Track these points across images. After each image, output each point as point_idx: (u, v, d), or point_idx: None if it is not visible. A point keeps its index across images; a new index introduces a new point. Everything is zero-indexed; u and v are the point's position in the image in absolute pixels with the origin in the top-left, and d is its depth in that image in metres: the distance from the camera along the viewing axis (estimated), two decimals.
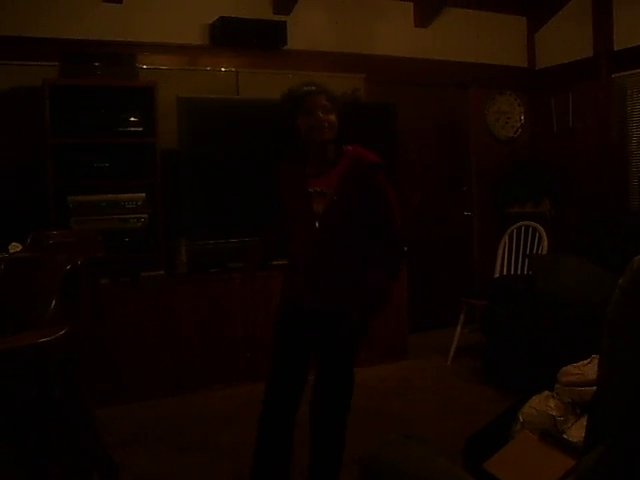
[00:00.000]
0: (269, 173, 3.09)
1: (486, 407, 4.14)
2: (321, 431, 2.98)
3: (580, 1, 6.21)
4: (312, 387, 2.98)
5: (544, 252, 5.38)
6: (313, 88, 2.81)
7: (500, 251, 5.66)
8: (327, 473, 2.96)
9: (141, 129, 4.76)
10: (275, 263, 5.05)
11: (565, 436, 2.86)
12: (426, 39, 6.26)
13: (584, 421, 2.93)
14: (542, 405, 3.06)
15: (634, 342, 1.18)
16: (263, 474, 2.99)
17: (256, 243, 3.12)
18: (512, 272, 5.55)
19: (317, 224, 2.77)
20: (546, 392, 3.17)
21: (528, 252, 5.51)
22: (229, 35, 5.26)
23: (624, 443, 1.24)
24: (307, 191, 2.79)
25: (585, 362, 3.17)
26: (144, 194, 4.80)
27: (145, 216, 4.78)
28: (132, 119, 4.76)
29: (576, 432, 2.86)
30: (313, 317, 2.84)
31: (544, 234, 5.47)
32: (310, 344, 2.91)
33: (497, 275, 5.55)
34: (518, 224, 5.69)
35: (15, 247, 3.30)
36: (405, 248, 3.15)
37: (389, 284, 2.82)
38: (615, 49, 5.96)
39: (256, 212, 5.04)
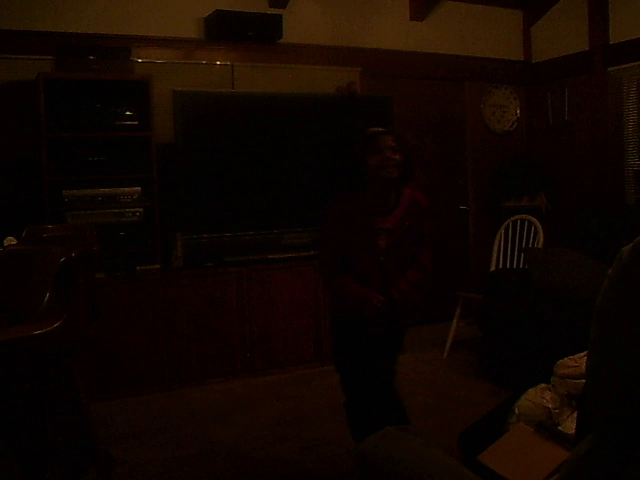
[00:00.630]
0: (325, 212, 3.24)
1: (481, 400, 4.15)
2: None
3: None
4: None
5: (540, 246, 5.39)
6: (382, 129, 3.09)
7: (496, 245, 5.67)
8: None
9: (136, 123, 4.75)
10: (271, 257, 5.10)
11: (560, 428, 2.87)
12: (422, 32, 6.25)
13: None
14: (538, 397, 3.07)
15: (621, 333, 1.18)
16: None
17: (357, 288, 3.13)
18: (508, 266, 5.56)
19: (382, 258, 3.06)
20: (542, 384, 3.17)
21: (524, 246, 5.52)
22: (225, 28, 5.24)
23: (611, 433, 1.24)
24: (374, 228, 3.06)
25: (581, 354, 3.16)
26: (139, 188, 4.79)
27: (141, 210, 4.77)
28: (127, 113, 4.74)
29: (571, 424, 2.86)
30: (378, 333, 3.12)
31: (540, 228, 5.48)
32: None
33: (493, 269, 5.56)
34: (514, 218, 5.70)
35: (10, 241, 3.31)
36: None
37: (422, 284, 3.17)
38: (611, 42, 5.96)
39: (252, 206, 5.07)
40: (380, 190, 3.06)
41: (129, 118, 4.74)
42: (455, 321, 5.36)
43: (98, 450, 3.01)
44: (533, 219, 5.57)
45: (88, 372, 4.12)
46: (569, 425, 2.87)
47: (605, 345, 1.23)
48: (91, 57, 4.72)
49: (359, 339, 3.14)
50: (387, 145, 3.00)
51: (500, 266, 5.57)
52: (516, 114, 6.77)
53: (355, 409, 3.20)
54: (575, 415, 2.94)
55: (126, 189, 4.76)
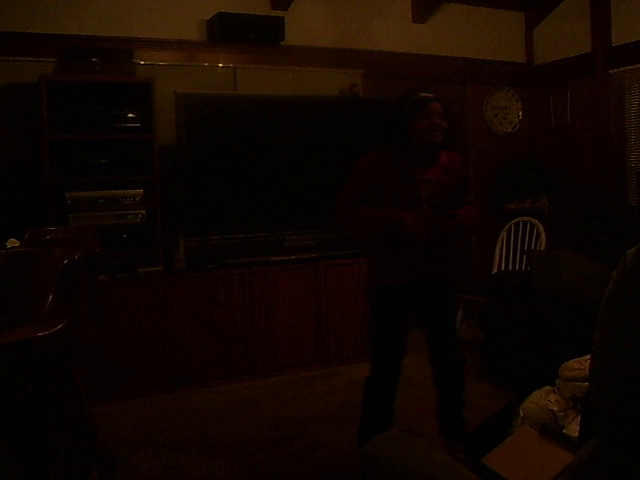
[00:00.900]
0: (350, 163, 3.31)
1: (484, 402, 4.14)
2: (457, 382, 3.47)
3: None
4: (432, 344, 3.38)
5: (542, 248, 5.39)
6: (432, 95, 3.23)
7: (498, 247, 5.67)
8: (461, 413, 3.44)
9: (139, 125, 4.75)
10: (273, 259, 5.09)
11: (565, 431, 2.86)
12: (424, 35, 6.26)
13: None
14: (543, 400, 3.06)
15: (626, 336, 1.17)
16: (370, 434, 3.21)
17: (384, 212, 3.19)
18: (510, 268, 5.56)
19: (424, 207, 3.13)
20: (547, 387, 3.16)
21: (526, 248, 5.51)
22: (227, 31, 5.24)
23: (615, 437, 1.23)
24: (415, 178, 3.16)
25: (587, 357, 3.15)
26: (142, 190, 4.79)
27: (143, 212, 4.78)
28: (130, 115, 4.74)
29: (576, 427, 2.85)
30: (427, 284, 3.24)
31: (542, 230, 5.48)
32: (418, 311, 3.31)
33: (495, 271, 5.56)
34: (516, 220, 5.70)
35: (13, 243, 3.30)
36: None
37: (477, 216, 3.37)
38: (613, 45, 5.96)
39: (254, 208, 5.07)
40: (423, 152, 3.18)
41: (131, 120, 4.74)
42: (457, 323, 5.35)
43: (100, 452, 3.01)
44: (535, 221, 5.57)
45: (90, 374, 4.12)
46: (574, 428, 2.86)
47: (609, 348, 1.22)
48: (93, 59, 4.73)
49: (397, 309, 3.23)
50: (436, 111, 3.13)
51: (502, 268, 5.57)
52: (518, 116, 6.77)
53: (379, 384, 3.28)
54: (580, 418, 2.94)
55: (128, 191, 4.76)
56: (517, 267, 5.52)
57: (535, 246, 5.47)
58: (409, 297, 3.24)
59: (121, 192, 4.74)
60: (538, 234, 5.49)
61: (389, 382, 3.27)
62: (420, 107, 3.14)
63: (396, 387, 3.29)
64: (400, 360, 3.29)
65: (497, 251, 5.65)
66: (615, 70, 5.98)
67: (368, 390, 3.32)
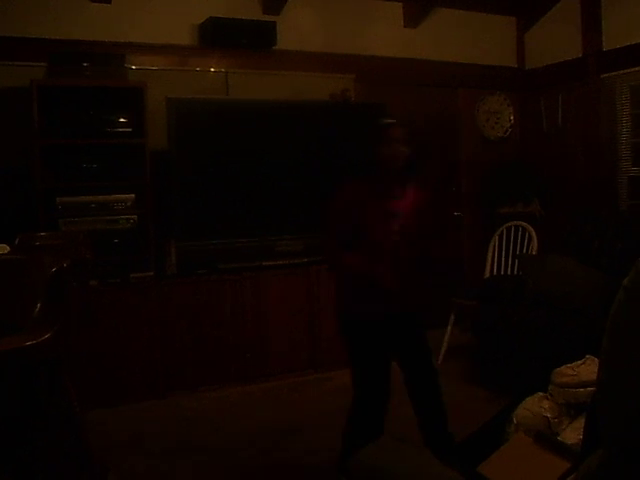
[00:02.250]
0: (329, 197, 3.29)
1: (476, 407, 4.13)
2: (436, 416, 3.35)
3: (569, 2, 6.22)
4: (409, 382, 3.33)
5: (534, 252, 5.39)
6: (392, 120, 3.21)
7: (490, 251, 5.67)
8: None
9: (130, 130, 4.74)
10: (265, 264, 5.08)
11: (560, 438, 2.85)
12: (415, 39, 6.26)
13: (578, 423, 2.92)
14: (536, 407, 3.04)
15: (637, 343, 1.15)
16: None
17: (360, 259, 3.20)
18: (502, 272, 5.55)
19: (396, 239, 3.13)
20: (540, 393, 3.14)
21: (518, 252, 5.51)
22: (218, 35, 5.24)
23: (625, 448, 1.20)
24: (390, 211, 3.15)
25: (579, 363, 3.15)
26: (133, 195, 4.78)
27: (134, 217, 4.76)
28: (121, 120, 4.73)
29: (571, 434, 2.84)
30: (395, 319, 3.22)
31: (534, 234, 5.48)
32: (391, 345, 3.26)
33: (487, 275, 5.56)
34: (508, 224, 5.70)
35: (3, 249, 3.28)
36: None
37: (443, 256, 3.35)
38: (604, 49, 5.97)
39: (246, 213, 5.06)
40: (390, 178, 3.17)
41: (123, 125, 4.74)
42: (450, 328, 5.35)
43: (91, 459, 2.99)
44: (527, 225, 5.58)
45: (82, 380, 4.09)
46: (568, 435, 2.85)
47: (619, 357, 1.19)
48: (85, 64, 4.71)
49: (370, 338, 3.20)
50: (396, 137, 3.12)
51: (494, 272, 5.57)
52: (510, 120, 6.77)
53: (363, 408, 3.24)
54: (574, 425, 2.93)
55: (120, 196, 4.75)
56: (509, 271, 5.52)
57: (527, 250, 5.47)
58: (379, 332, 3.20)
59: (112, 197, 4.72)
60: (530, 238, 5.50)
61: (372, 407, 3.23)
62: (382, 133, 3.15)
63: (383, 409, 3.22)
64: (383, 386, 3.22)
65: (489, 255, 5.65)
66: (606, 75, 6.00)
67: (354, 415, 3.27)
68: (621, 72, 5.87)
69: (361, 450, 1.77)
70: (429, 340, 3.39)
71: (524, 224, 5.61)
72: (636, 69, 5.73)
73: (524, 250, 5.50)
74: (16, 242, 3.10)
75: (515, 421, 3.03)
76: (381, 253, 3.13)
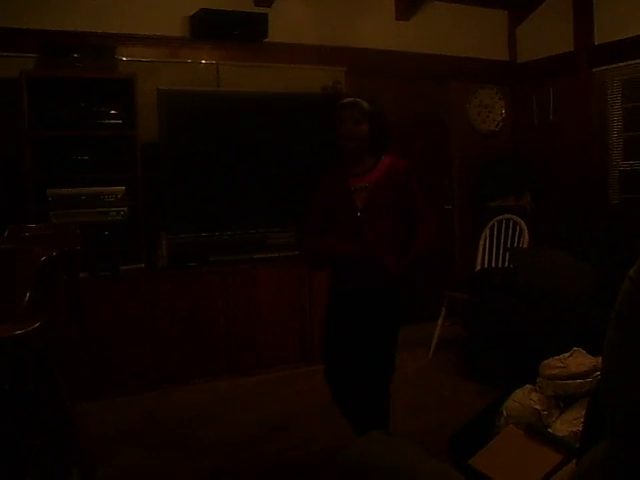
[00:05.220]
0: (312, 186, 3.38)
1: (467, 400, 4.16)
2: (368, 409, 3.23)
3: None
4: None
5: (525, 245, 5.40)
6: (349, 100, 3.19)
7: (481, 244, 5.68)
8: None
9: (121, 121, 4.72)
10: (256, 256, 5.08)
11: (550, 430, 2.86)
12: (407, 32, 6.25)
13: (568, 415, 2.94)
14: (526, 399, 3.05)
15: None
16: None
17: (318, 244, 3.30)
18: (493, 265, 5.57)
19: (359, 214, 3.13)
20: (529, 386, 3.16)
21: (509, 245, 5.53)
22: (210, 27, 5.22)
23: (631, 439, 1.19)
24: (349, 188, 3.18)
25: (567, 355, 3.16)
26: (124, 187, 4.76)
27: (125, 209, 4.74)
28: (112, 111, 4.71)
29: (561, 426, 2.86)
30: (360, 295, 3.17)
31: (525, 227, 5.49)
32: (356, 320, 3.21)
33: (478, 268, 5.57)
34: (499, 217, 5.71)
35: None
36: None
37: (430, 245, 3.22)
38: (596, 43, 5.98)
39: (237, 205, 5.05)
40: (351, 158, 3.20)
41: (113, 117, 4.71)
42: (440, 321, 5.36)
43: (81, 451, 2.99)
44: (518, 219, 5.59)
45: (71, 372, 4.09)
46: (559, 427, 2.87)
47: (625, 348, 1.17)
48: (75, 55, 4.68)
49: (337, 304, 3.27)
50: (349, 116, 3.12)
51: (485, 266, 5.58)
52: (501, 114, 6.78)
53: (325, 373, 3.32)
54: (564, 417, 2.94)
55: (110, 188, 4.73)
56: (500, 264, 5.53)
57: (518, 243, 5.48)
58: (347, 302, 3.24)
59: (103, 189, 4.70)
60: (521, 231, 5.51)
61: (333, 375, 3.29)
62: (336, 114, 3.18)
63: (346, 384, 3.27)
64: (343, 359, 3.25)
65: (480, 248, 5.66)
66: (598, 69, 6.01)
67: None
68: (612, 66, 5.88)
69: (352, 444, 1.76)
70: (399, 339, 3.28)
71: (515, 217, 5.62)
72: (627, 63, 5.74)
73: (515, 243, 5.51)
74: (6, 233, 3.09)
75: (505, 414, 3.04)
76: (347, 230, 3.17)
